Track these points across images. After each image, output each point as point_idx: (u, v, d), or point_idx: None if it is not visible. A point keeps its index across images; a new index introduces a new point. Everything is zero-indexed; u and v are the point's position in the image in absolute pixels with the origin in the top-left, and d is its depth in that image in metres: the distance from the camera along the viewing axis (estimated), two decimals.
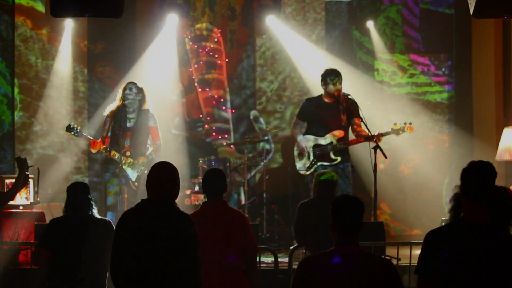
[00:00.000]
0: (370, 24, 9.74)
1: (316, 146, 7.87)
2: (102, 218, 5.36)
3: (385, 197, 9.73)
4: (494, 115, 9.20)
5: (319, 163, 7.80)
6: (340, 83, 7.79)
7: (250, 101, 9.96)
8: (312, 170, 7.81)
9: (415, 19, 9.97)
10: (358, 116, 7.78)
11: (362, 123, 7.59)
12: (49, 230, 5.26)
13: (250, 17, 9.78)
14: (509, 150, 8.15)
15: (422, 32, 9.96)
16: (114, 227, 5.26)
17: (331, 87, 7.78)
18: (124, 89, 7.65)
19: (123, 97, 7.61)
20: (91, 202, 5.31)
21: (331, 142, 7.82)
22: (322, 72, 7.93)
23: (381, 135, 7.63)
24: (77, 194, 5.31)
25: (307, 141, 7.90)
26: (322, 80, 7.88)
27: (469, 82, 9.79)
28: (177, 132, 9.68)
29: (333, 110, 7.84)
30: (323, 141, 7.85)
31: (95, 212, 5.31)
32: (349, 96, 7.59)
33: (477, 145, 9.52)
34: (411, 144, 9.76)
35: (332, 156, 7.80)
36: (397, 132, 7.77)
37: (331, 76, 7.80)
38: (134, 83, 7.70)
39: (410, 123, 7.81)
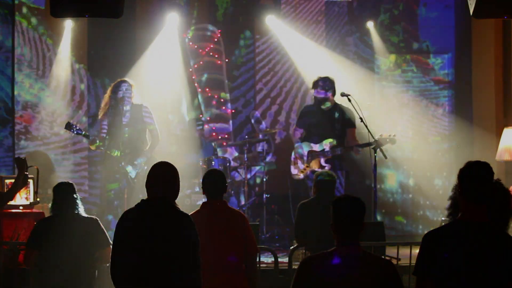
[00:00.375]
0: (370, 24, 9.74)
1: (309, 153, 8.00)
2: (89, 216, 5.37)
3: (385, 197, 9.74)
4: (494, 115, 9.20)
5: (310, 169, 7.95)
6: (317, 89, 7.92)
7: (250, 101, 9.96)
8: (303, 175, 8.03)
9: (415, 19, 9.97)
10: (352, 126, 7.93)
11: (363, 124, 7.58)
12: (36, 230, 5.29)
13: (250, 17, 9.78)
14: (509, 150, 8.15)
15: (422, 32, 9.96)
16: (101, 224, 5.28)
17: (311, 92, 8.03)
18: (115, 87, 7.66)
19: (115, 95, 7.61)
20: (77, 201, 5.32)
21: (323, 150, 7.92)
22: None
23: (361, 146, 7.74)
24: (63, 193, 5.33)
25: (303, 148, 8.07)
26: None
27: (469, 82, 9.79)
28: (177, 132, 9.68)
29: (328, 118, 7.97)
30: (316, 148, 7.98)
31: (81, 210, 5.33)
32: (348, 97, 7.60)
33: (477, 145, 9.52)
34: (411, 144, 9.76)
35: (323, 164, 7.87)
36: (381, 143, 7.73)
37: (313, 83, 8.00)
38: (125, 80, 7.72)
39: (394, 135, 7.75)
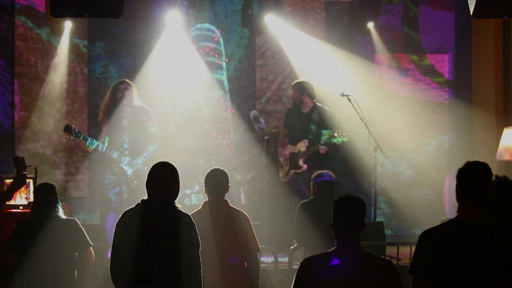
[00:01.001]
0: (370, 24, 9.73)
1: (290, 155, 8.22)
2: (67, 218, 5.34)
3: (385, 197, 9.74)
4: (494, 115, 9.19)
5: (292, 171, 8.17)
6: (294, 92, 8.23)
7: (250, 101, 9.94)
8: (288, 178, 8.23)
9: (415, 19, 9.97)
10: (327, 129, 8.05)
11: (363, 124, 7.59)
12: (15, 232, 5.26)
13: (250, 16, 9.77)
14: (509, 150, 8.15)
15: (422, 32, 9.95)
16: (81, 226, 5.28)
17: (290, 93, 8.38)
18: (115, 88, 7.66)
19: (115, 96, 7.62)
20: (56, 203, 5.29)
21: (299, 151, 8.10)
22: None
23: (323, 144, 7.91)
24: (42, 195, 5.32)
25: (285, 151, 8.30)
26: None
27: (469, 82, 9.78)
28: (177, 132, 9.68)
29: (306, 120, 8.18)
30: (295, 150, 8.18)
31: (60, 213, 5.29)
32: (348, 97, 7.62)
33: (477, 145, 9.52)
34: (411, 144, 9.77)
35: (300, 164, 8.05)
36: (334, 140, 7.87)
37: (291, 86, 8.38)
38: (125, 81, 7.73)
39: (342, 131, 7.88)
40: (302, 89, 8.23)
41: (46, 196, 5.31)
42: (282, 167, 8.38)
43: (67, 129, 7.44)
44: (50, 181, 8.69)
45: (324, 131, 7.97)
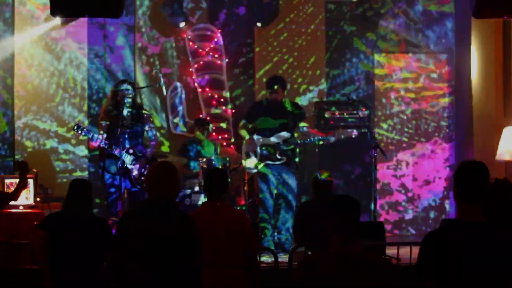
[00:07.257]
0: (370, 24, 9.73)
1: (263, 146, 8.03)
2: (97, 216, 5.33)
3: (385, 197, 9.74)
4: (494, 115, 9.19)
5: (265, 162, 8.00)
6: (275, 90, 7.97)
7: (250, 101, 9.94)
8: (258, 168, 8.04)
9: (415, 19, 9.96)
10: (304, 118, 8.07)
11: (363, 124, 7.58)
12: (46, 219, 5.25)
13: (251, 15, 9.78)
14: (509, 150, 8.14)
15: (422, 32, 9.95)
16: (109, 227, 5.27)
17: (269, 92, 8.05)
18: (117, 88, 7.69)
19: (116, 96, 7.65)
20: (89, 200, 5.28)
21: (278, 143, 7.96)
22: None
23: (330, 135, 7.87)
24: (76, 190, 5.28)
25: (255, 141, 8.08)
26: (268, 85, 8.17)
27: (469, 82, 9.78)
28: (177, 132, 9.69)
29: (279, 112, 8.02)
30: (270, 141, 8.01)
31: (91, 210, 5.29)
32: (348, 96, 7.62)
33: (477, 145, 9.51)
34: (410, 143, 9.77)
35: (278, 156, 7.95)
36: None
37: (269, 83, 8.12)
38: (126, 80, 7.77)
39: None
40: (285, 86, 8.15)
41: (79, 192, 5.27)
42: (249, 158, 8.12)
43: (77, 127, 7.45)
44: (50, 181, 8.77)
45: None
